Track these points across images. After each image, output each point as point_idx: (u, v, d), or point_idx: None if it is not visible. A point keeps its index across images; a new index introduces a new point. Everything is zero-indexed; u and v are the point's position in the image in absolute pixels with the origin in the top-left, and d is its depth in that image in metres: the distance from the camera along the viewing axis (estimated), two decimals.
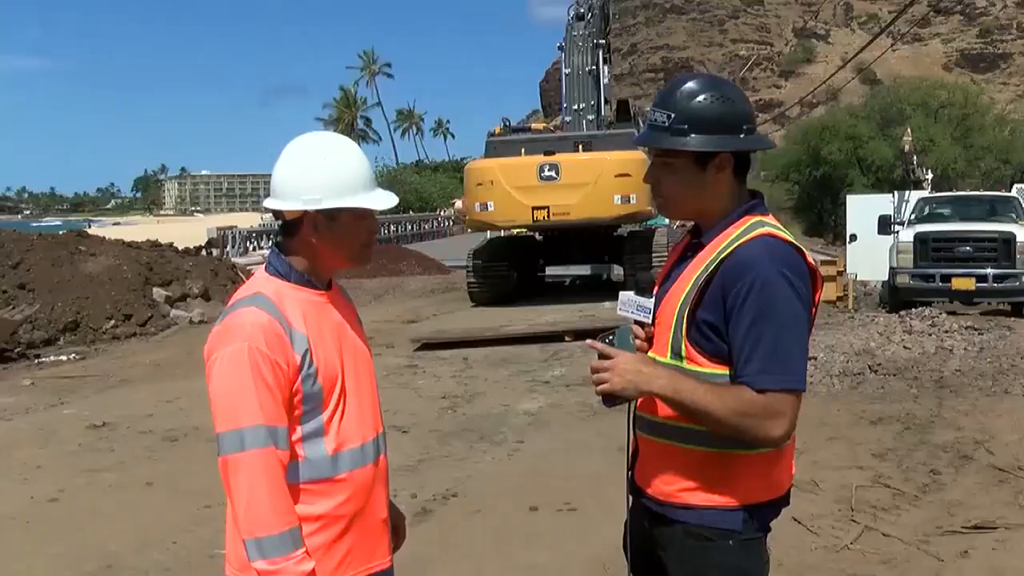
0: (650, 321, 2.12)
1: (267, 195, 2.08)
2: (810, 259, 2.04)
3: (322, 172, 1.98)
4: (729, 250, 2.00)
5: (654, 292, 2.15)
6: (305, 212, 1.98)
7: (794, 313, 1.96)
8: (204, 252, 22.54)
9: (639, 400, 2.12)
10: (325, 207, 1.97)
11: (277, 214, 2.05)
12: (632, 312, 2.14)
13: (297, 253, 2.03)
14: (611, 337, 2.04)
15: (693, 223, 2.20)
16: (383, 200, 2.04)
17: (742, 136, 2.05)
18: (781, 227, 2.07)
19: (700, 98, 2.03)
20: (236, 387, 1.89)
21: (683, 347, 2.02)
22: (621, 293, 2.18)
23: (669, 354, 2.05)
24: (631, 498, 2.22)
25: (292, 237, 2.03)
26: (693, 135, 2.02)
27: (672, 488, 2.06)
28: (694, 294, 2.01)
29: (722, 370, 2.00)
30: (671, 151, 2.06)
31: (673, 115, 2.04)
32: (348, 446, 2.01)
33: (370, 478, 2.06)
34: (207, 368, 1.96)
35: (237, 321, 1.94)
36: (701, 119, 2.02)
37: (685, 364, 2.02)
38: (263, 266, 2.10)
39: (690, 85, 2.07)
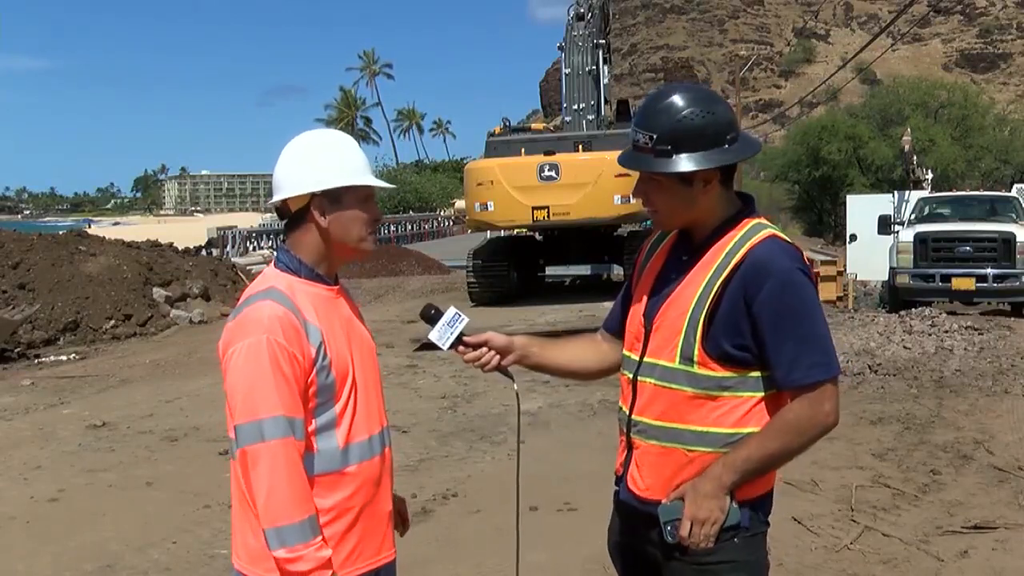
0: (462, 329, 2.21)
1: (268, 195, 2.11)
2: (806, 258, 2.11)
3: (323, 159, 2.05)
4: (741, 253, 2.00)
5: (434, 311, 2.23)
6: (312, 197, 2.03)
7: (819, 306, 2.05)
8: (204, 252, 22.56)
9: (639, 406, 2.12)
10: (330, 186, 2.02)
11: (282, 212, 2.09)
12: (451, 337, 2.21)
13: (305, 246, 2.07)
14: (669, 529, 2.04)
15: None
16: (379, 180, 2.12)
17: (727, 147, 2.03)
18: (777, 229, 2.09)
19: (681, 116, 2.01)
20: (255, 378, 1.91)
21: (696, 351, 2.01)
22: (429, 335, 2.23)
23: (678, 359, 2.04)
24: (621, 503, 2.21)
25: (299, 228, 2.08)
26: (677, 155, 2.01)
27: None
28: (710, 299, 2.00)
29: (731, 373, 2.01)
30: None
31: (655, 135, 2.02)
32: (357, 439, 2.05)
33: (377, 471, 2.10)
34: (223, 362, 1.98)
35: (254, 315, 1.97)
36: (684, 138, 2.01)
37: (696, 369, 2.02)
38: (272, 263, 2.13)
39: (669, 102, 2.04)
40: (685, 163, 2.01)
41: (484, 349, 2.24)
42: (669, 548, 2.05)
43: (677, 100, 2.03)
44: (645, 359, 2.11)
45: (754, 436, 2.00)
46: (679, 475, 2.05)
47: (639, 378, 2.12)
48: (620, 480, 2.19)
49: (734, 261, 2.00)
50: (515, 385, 2.28)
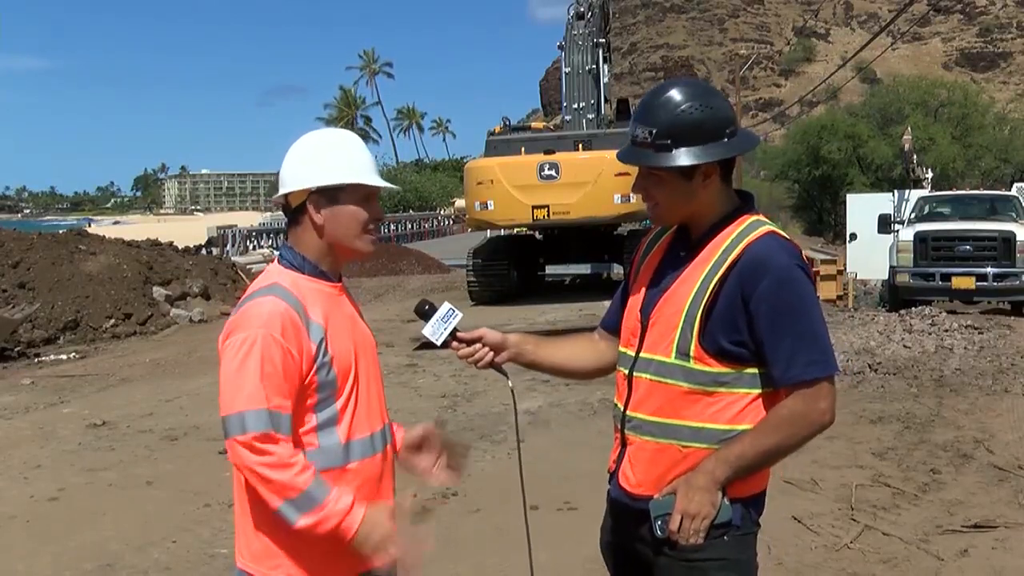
0: (456, 324, 2.21)
1: (268, 194, 2.12)
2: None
3: (324, 157, 2.06)
4: (739, 249, 2.00)
5: (428, 306, 2.23)
6: (309, 193, 2.04)
7: (816, 303, 2.05)
8: (204, 251, 22.54)
9: (635, 401, 2.11)
10: (325, 183, 2.03)
11: (286, 209, 2.10)
12: (445, 332, 2.21)
13: (306, 243, 2.08)
14: (659, 524, 2.04)
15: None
16: (382, 180, 2.11)
17: (726, 141, 2.04)
18: (776, 226, 2.09)
19: (680, 110, 2.01)
20: (243, 371, 1.92)
21: (692, 347, 2.01)
22: (423, 331, 2.23)
23: (674, 354, 2.03)
24: (612, 501, 2.20)
25: (299, 225, 2.09)
26: (677, 149, 2.01)
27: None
28: (707, 295, 2.00)
29: (728, 369, 2.00)
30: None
31: (655, 130, 2.02)
32: (358, 435, 2.05)
33: (379, 468, 2.10)
34: (220, 354, 1.99)
35: (254, 310, 1.97)
36: (683, 132, 2.01)
37: (692, 364, 2.01)
38: (275, 260, 2.14)
39: (668, 97, 2.04)
40: (684, 157, 2.01)
41: (478, 345, 2.23)
42: (659, 544, 2.05)
43: (675, 95, 2.04)
44: (641, 354, 2.10)
45: (749, 432, 1.99)
46: (672, 471, 2.04)
47: (635, 373, 2.11)
48: (612, 477, 2.18)
49: (731, 257, 2.00)
50: (510, 382, 2.27)
